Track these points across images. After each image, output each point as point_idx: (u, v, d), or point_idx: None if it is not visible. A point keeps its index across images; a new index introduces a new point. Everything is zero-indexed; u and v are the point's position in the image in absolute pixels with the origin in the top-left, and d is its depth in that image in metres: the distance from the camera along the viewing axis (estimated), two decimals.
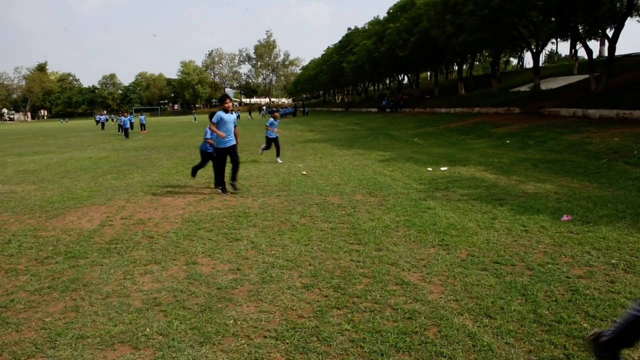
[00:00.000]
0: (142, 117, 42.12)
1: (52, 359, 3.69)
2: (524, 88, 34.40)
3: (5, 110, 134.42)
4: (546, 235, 6.32)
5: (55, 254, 6.32)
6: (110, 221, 8.10)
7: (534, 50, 31.26)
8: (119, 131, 37.84)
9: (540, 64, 35.25)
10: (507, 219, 7.19)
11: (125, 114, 38.17)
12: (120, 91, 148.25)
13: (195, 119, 74.60)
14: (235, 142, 10.24)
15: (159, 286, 5.06)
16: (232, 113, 10.11)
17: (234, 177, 10.45)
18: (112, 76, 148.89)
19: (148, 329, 4.09)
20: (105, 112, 71.35)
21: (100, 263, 5.91)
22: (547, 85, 31.78)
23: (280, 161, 15.75)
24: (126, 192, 10.87)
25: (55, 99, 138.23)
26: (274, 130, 16.05)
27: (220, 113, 9.95)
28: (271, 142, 16.24)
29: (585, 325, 3.85)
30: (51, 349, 3.84)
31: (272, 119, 16.07)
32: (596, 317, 3.97)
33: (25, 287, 5.16)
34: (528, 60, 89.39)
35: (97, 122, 61.37)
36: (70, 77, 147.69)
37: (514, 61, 74.41)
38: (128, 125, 34.42)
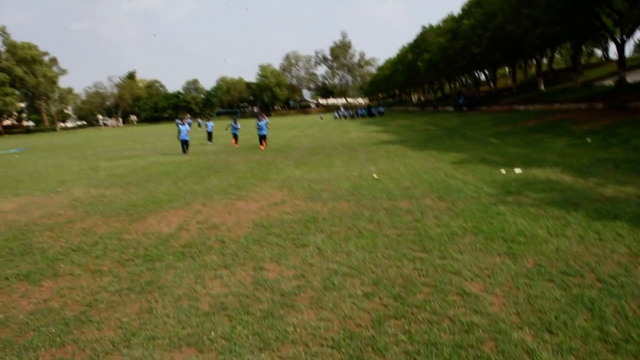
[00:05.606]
0: (263, 123, 24.79)
1: (126, 358, 4.00)
2: (608, 81, 32.62)
3: (100, 117, 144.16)
4: (622, 244, 6.02)
5: (135, 256, 6.78)
6: (187, 225, 8.53)
7: (619, 41, 29.48)
8: (209, 140, 31.43)
9: (628, 54, 33.15)
10: (580, 225, 6.89)
11: (183, 119, 26.33)
12: (202, 95, 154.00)
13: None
14: None
15: (227, 291, 5.31)
16: None
17: None
18: (195, 81, 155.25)
19: (213, 333, 4.33)
20: (188, 115, 73.21)
21: (174, 266, 6.28)
22: (634, 77, 29.91)
23: None
24: (203, 196, 11.35)
25: (143, 104, 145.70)
26: None
27: None
28: None
29: None
30: (125, 347, 4.17)
31: None
32: None
33: (108, 288, 5.60)
34: (614, 51, 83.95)
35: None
36: (157, 84, 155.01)
37: (599, 52, 70.10)
38: (186, 136, 24.38)
